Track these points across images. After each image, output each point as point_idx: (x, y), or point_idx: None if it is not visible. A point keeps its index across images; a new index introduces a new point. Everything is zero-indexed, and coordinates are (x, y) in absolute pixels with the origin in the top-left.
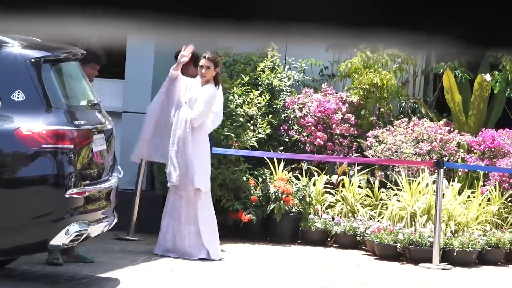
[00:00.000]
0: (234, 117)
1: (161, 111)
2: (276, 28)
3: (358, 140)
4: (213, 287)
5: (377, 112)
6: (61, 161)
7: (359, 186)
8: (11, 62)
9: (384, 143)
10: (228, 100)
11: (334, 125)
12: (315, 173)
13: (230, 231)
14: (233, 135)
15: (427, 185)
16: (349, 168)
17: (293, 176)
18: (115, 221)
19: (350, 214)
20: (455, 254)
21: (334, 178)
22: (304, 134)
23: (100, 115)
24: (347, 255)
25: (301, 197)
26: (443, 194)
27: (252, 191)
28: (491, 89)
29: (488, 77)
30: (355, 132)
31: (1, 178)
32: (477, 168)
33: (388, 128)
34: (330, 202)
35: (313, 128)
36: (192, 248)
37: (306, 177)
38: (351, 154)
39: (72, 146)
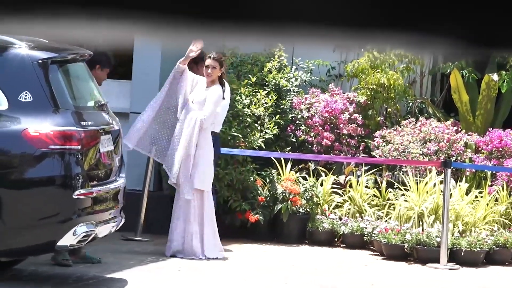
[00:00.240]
0: (241, 118)
1: (161, 107)
2: (281, 29)
3: (365, 140)
4: None
5: (384, 112)
6: (68, 162)
7: (366, 186)
8: (18, 63)
9: (392, 143)
10: (235, 101)
11: (341, 125)
12: (323, 173)
13: (238, 231)
14: (240, 135)
15: (434, 185)
16: (357, 168)
17: (300, 176)
18: (123, 221)
19: (357, 214)
20: (462, 254)
21: (341, 178)
22: (312, 134)
23: (107, 116)
24: (355, 255)
25: (308, 197)
26: (451, 194)
27: (259, 192)
28: (499, 88)
29: (495, 76)
30: (362, 132)
31: (9, 179)
32: (484, 168)
33: (395, 128)
34: (338, 202)
35: (320, 128)
36: (198, 247)
37: (313, 177)
38: (358, 154)
39: (79, 147)
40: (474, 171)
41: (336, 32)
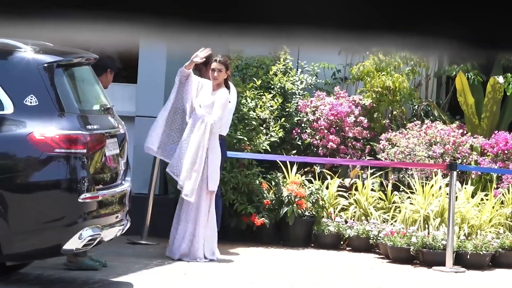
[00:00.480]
0: (246, 121)
1: (170, 111)
2: (286, 32)
3: (371, 143)
4: None
5: (389, 115)
6: (74, 165)
7: (372, 189)
8: (24, 67)
9: (397, 146)
10: (241, 104)
11: (347, 128)
12: (328, 177)
13: (243, 234)
14: (245, 138)
15: (440, 188)
16: (362, 171)
17: (306, 179)
18: (128, 225)
19: (363, 217)
20: (468, 257)
21: (347, 181)
22: (317, 138)
23: (113, 119)
24: (361, 259)
25: (314, 200)
26: (456, 197)
27: (265, 195)
28: (504, 91)
29: (501, 79)
30: (368, 135)
31: (14, 182)
32: (490, 171)
33: (401, 131)
34: (343, 205)
35: (325, 131)
36: (205, 249)
37: (319, 180)
38: (364, 157)
39: (85, 151)
40: (480, 173)
41: (342, 35)
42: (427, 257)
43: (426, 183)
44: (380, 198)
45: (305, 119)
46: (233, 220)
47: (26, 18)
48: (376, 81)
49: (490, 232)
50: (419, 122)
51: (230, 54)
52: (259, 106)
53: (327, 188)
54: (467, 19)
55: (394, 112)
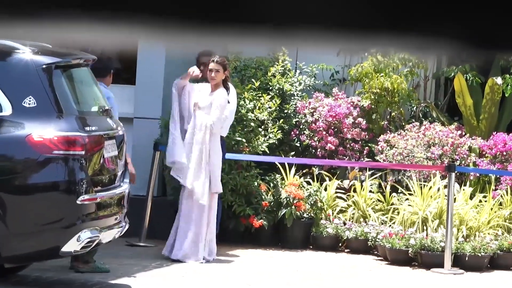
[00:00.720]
0: (245, 122)
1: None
2: (284, 32)
3: (369, 144)
4: None
5: (388, 117)
6: (72, 167)
7: (370, 191)
8: (22, 68)
9: (396, 148)
10: (239, 105)
11: (345, 130)
12: (327, 178)
13: (242, 236)
14: (244, 140)
15: (438, 189)
16: (361, 173)
17: (304, 181)
18: (127, 227)
19: (361, 219)
20: (467, 258)
21: (345, 183)
22: (315, 139)
23: (111, 121)
24: (359, 260)
25: (312, 202)
26: (455, 199)
27: (263, 196)
28: (503, 92)
29: (499, 80)
30: (366, 136)
31: (13, 184)
32: (488, 172)
33: (399, 133)
34: (342, 207)
35: (324, 132)
36: (210, 250)
37: (317, 182)
38: (362, 159)
39: (83, 152)
40: (478, 175)
41: (341, 35)
42: (425, 259)
43: (424, 185)
44: (379, 200)
45: (303, 121)
46: (231, 222)
47: (25, 19)
48: (375, 82)
49: (488, 233)
50: (418, 124)
51: (229, 55)
52: (257, 108)
53: (325, 189)
54: (466, 19)
55: (393, 114)
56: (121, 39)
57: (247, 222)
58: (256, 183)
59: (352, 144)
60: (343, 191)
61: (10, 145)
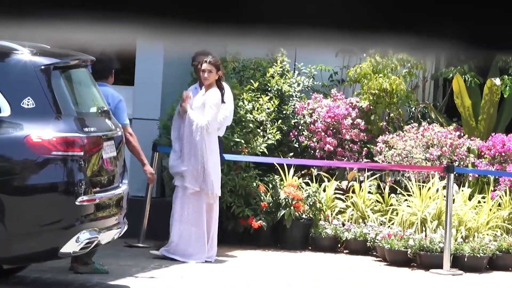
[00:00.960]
0: (243, 123)
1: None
2: (283, 33)
3: (368, 145)
4: None
5: (387, 117)
6: (71, 168)
7: (369, 192)
8: (20, 69)
9: (394, 149)
10: (238, 106)
11: (344, 131)
12: (325, 179)
13: (241, 237)
14: (243, 141)
15: (437, 190)
16: (359, 174)
17: (303, 182)
18: (126, 228)
19: (360, 220)
20: (465, 259)
21: (344, 184)
22: (314, 140)
23: (110, 122)
24: (358, 261)
25: (311, 203)
26: (454, 199)
27: (262, 197)
28: (501, 93)
29: (498, 81)
30: (365, 137)
31: (11, 185)
32: (487, 173)
33: (398, 133)
34: (340, 208)
35: (323, 133)
36: (211, 250)
37: (316, 183)
38: (361, 160)
39: (82, 153)
40: (477, 176)
41: (341, 35)
42: (424, 259)
43: (423, 186)
44: (377, 201)
45: (302, 122)
46: (230, 223)
47: (23, 19)
48: (373, 83)
49: (487, 234)
50: (416, 125)
51: (227, 56)
52: (256, 109)
53: (324, 190)
54: (466, 19)
55: (391, 115)
56: (120, 39)
57: (246, 223)
58: (255, 184)
59: (350, 145)
60: (342, 192)
61: (9, 146)
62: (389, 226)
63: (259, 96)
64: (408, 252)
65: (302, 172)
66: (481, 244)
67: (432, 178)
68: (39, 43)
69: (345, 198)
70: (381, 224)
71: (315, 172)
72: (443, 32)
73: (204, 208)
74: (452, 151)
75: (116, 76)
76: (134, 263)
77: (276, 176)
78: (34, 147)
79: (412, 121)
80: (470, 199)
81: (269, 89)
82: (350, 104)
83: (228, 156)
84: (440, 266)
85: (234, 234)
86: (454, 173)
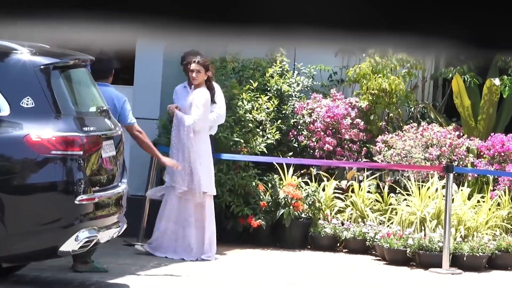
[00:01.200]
0: (243, 123)
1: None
2: (282, 32)
3: (367, 145)
4: None
5: (386, 117)
6: (70, 167)
7: (368, 191)
8: (20, 69)
9: (394, 148)
10: (237, 106)
11: (343, 130)
12: (325, 179)
13: (240, 236)
14: (242, 140)
15: (436, 190)
16: (359, 173)
17: (302, 181)
18: (125, 227)
19: (359, 219)
20: (465, 259)
21: (343, 183)
22: (313, 140)
23: (109, 121)
24: (357, 260)
25: (310, 202)
26: (453, 199)
27: (261, 197)
28: (500, 93)
29: (497, 81)
30: (364, 137)
31: (11, 184)
32: (486, 173)
33: (397, 133)
34: (340, 207)
35: (322, 133)
36: (196, 249)
37: (315, 182)
38: (360, 159)
39: (81, 153)
40: (476, 176)
41: (340, 35)
42: (423, 259)
43: (422, 185)
44: (377, 200)
45: (301, 121)
46: (229, 222)
47: (23, 19)
48: (373, 83)
49: (486, 234)
50: (416, 124)
51: (227, 56)
52: (255, 108)
53: (323, 190)
54: (466, 19)
55: (391, 114)
56: (119, 39)
57: (245, 222)
58: (254, 184)
59: (350, 145)
60: (341, 192)
61: (8, 145)
62: (388, 226)
63: (258, 96)
64: (407, 251)
65: (302, 171)
66: (480, 244)
67: (432, 177)
68: (38, 42)
69: (344, 198)
70: (380, 224)
71: (314, 171)
72: (442, 32)
73: (192, 208)
74: (452, 151)
75: (116, 75)
76: (133, 261)
77: (275, 176)
78: (34, 147)
79: (411, 121)
80: (469, 198)
81: (268, 89)
82: (350, 104)
83: (227, 156)
84: (439, 265)
85: (233, 233)
86: (454, 172)
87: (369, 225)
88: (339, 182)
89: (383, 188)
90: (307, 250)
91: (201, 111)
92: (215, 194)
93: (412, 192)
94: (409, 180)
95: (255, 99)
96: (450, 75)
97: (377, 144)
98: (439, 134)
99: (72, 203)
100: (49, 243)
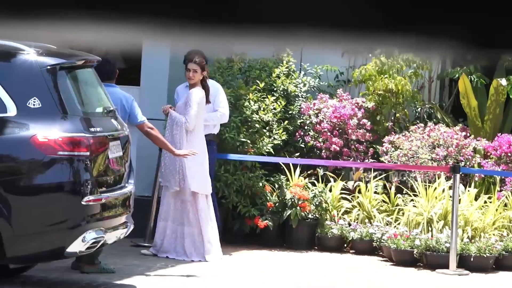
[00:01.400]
0: (250, 123)
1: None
2: (288, 33)
3: (374, 145)
4: None
5: (392, 118)
6: (77, 168)
7: (375, 192)
8: (26, 69)
9: (400, 149)
10: (244, 106)
11: (350, 131)
12: (331, 179)
13: (247, 237)
14: (249, 141)
15: (443, 190)
16: (365, 174)
17: (309, 182)
18: (132, 228)
19: (366, 220)
20: (472, 259)
21: (350, 184)
22: (320, 140)
23: (116, 122)
24: (364, 261)
25: (317, 203)
26: (460, 200)
27: (268, 197)
28: (507, 93)
29: (504, 81)
30: (371, 137)
31: (18, 185)
32: (493, 173)
33: (404, 134)
34: (347, 208)
35: (329, 134)
36: (194, 250)
37: (322, 183)
38: (367, 160)
39: (88, 153)
40: (483, 176)
41: (346, 35)
42: (430, 259)
43: (429, 186)
44: (384, 201)
45: (308, 122)
46: (236, 223)
47: (29, 20)
48: (379, 84)
49: (493, 234)
50: (422, 125)
51: (233, 56)
52: (262, 109)
53: (330, 190)
54: (472, 19)
55: (397, 115)
56: (126, 39)
57: (252, 222)
58: (261, 184)
59: (356, 145)
60: (348, 192)
61: (15, 146)
62: (395, 226)
63: (265, 96)
64: (414, 252)
65: (308, 172)
66: (487, 244)
67: (438, 178)
68: (45, 43)
69: (351, 198)
70: (387, 224)
71: (321, 172)
72: (449, 32)
73: (187, 208)
74: (458, 151)
75: (122, 76)
76: (141, 262)
77: (282, 176)
78: (40, 147)
79: (418, 122)
80: (476, 199)
81: (275, 89)
82: (356, 105)
83: (234, 156)
84: (446, 266)
85: (240, 234)
86: (460, 173)
87: (376, 226)
88: (346, 182)
89: (390, 188)
90: (314, 251)
91: (195, 110)
92: (208, 193)
93: (419, 193)
94: (416, 180)
95: (261, 99)
96: (457, 75)
97: (383, 144)
98: (445, 134)
99: (79, 204)
100: (56, 244)
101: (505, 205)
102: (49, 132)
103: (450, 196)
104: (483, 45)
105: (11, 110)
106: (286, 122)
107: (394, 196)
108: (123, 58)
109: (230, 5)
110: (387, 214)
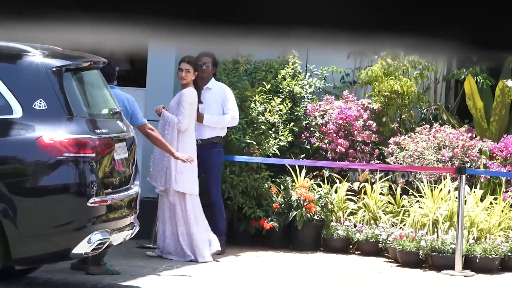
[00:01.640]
0: (255, 125)
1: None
2: (293, 34)
3: (379, 147)
4: None
5: (398, 119)
6: (83, 169)
7: (381, 193)
8: (32, 71)
9: (406, 150)
10: (250, 108)
11: (355, 132)
12: (337, 180)
13: (252, 238)
14: (254, 142)
15: (449, 191)
16: (371, 175)
17: (314, 183)
18: (137, 229)
19: (372, 221)
20: (477, 260)
21: (356, 185)
22: (326, 141)
23: (121, 123)
24: (370, 262)
25: (323, 204)
26: (465, 201)
27: (274, 199)
28: None
29: (509, 83)
30: (377, 139)
31: (23, 186)
32: (499, 174)
33: (409, 135)
34: (352, 209)
35: (334, 135)
36: (187, 249)
37: (328, 184)
38: (372, 161)
39: (94, 155)
40: (489, 177)
41: (351, 37)
42: (436, 261)
43: (435, 187)
44: (389, 202)
45: (313, 123)
46: (242, 224)
47: (34, 21)
48: (384, 85)
49: (499, 236)
50: (428, 126)
51: (239, 58)
52: (268, 110)
53: (336, 192)
54: (478, 20)
55: (403, 116)
56: (131, 41)
57: (257, 224)
58: (266, 185)
59: (362, 147)
60: (354, 193)
61: (21, 148)
62: (400, 228)
63: (271, 98)
64: (420, 253)
65: (314, 173)
66: (493, 245)
67: (444, 179)
68: (50, 45)
69: (357, 200)
70: (392, 225)
71: (326, 173)
72: (449, 32)
73: (178, 208)
74: (464, 153)
75: (128, 78)
76: (146, 264)
77: (287, 178)
78: (46, 149)
79: (423, 123)
80: (482, 200)
81: (281, 90)
82: (362, 106)
83: (240, 158)
84: (451, 267)
85: (245, 235)
86: (466, 174)
87: (382, 227)
88: (352, 184)
89: (396, 190)
90: (320, 252)
91: (187, 110)
92: (195, 194)
93: (425, 194)
94: (422, 182)
95: (267, 101)
96: (463, 77)
97: (389, 145)
98: (451, 135)
99: (85, 205)
100: (61, 245)
101: (511, 206)
102: (55, 134)
103: (456, 197)
104: (483, 46)
105: (17, 111)
106: (292, 123)
107: (400, 197)
108: (129, 60)
109: (235, 6)
110: (392, 215)
